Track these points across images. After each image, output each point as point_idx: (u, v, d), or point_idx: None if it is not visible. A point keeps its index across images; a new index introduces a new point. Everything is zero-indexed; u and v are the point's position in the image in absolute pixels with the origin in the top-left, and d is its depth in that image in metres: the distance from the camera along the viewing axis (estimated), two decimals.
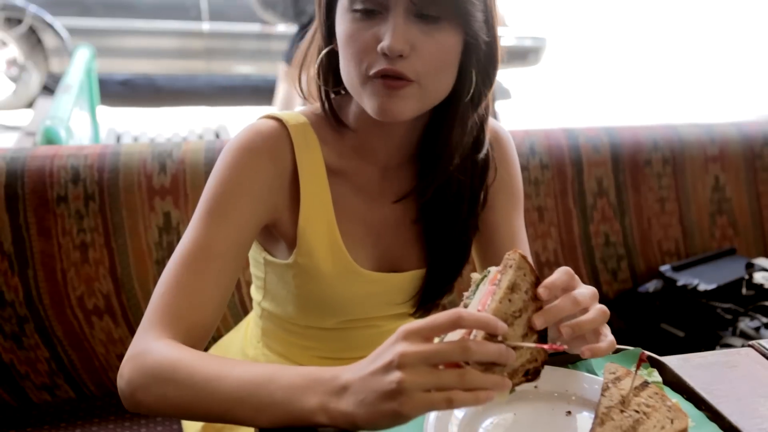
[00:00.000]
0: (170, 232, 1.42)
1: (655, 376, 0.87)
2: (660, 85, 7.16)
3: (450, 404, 0.68)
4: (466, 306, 0.79)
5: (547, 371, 0.85)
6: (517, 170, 1.12)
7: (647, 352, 0.89)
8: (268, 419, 0.76)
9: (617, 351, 0.92)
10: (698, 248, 1.83)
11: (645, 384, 0.79)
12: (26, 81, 5.39)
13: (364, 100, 0.92)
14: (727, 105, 6.59)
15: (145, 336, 0.87)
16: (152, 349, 0.84)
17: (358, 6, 0.89)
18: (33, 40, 5.33)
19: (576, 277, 0.81)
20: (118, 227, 1.39)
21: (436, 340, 0.71)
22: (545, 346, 0.75)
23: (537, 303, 0.77)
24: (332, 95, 1.01)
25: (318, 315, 1.07)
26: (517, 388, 0.77)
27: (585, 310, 0.79)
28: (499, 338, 0.71)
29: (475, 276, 0.82)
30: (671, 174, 1.79)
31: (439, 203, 1.04)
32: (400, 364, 0.68)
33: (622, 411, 0.75)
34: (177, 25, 5.54)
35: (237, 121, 5.30)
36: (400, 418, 0.68)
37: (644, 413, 0.75)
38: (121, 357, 0.86)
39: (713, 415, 0.81)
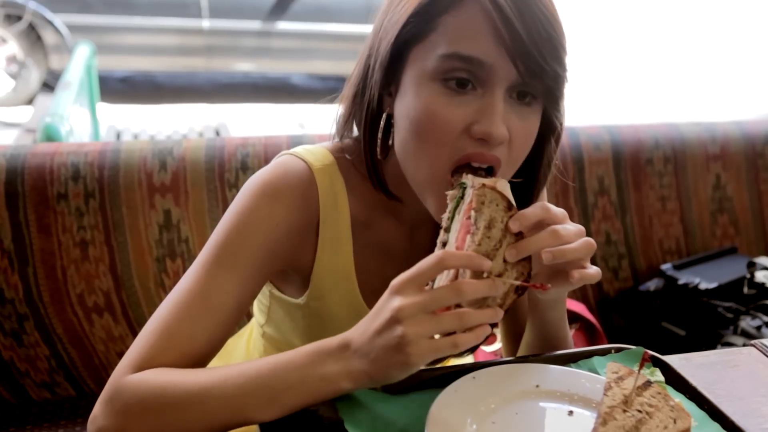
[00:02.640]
0: (170, 230, 1.41)
1: (658, 376, 0.86)
2: (661, 84, 7.15)
3: (455, 347, 0.70)
4: (447, 229, 0.79)
5: (549, 370, 0.85)
6: None
7: (650, 352, 0.89)
8: (282, 406, 0.75)
9: (619, 350, 0.92)
10: (699, 247, 1.82)
11: (648, 383, 0.79)
12: (26, 78, 5.39)
13: (427, 195, 0.83)
14: (728, 103, 6.59)
15: (121, 375, 0.80)
16: (131, 382, 0.78)
17: (452, 75, 0.77)
18: (33, 36, 5.32)
19: (554, 210, 0.78)
20: (119, 225, 1.39)
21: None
22: (528, 285, 0.76)
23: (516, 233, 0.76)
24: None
25: None
26: (519, 389, 0.77)
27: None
28: (485, 274, 0.73)
29: (450, 193, 0.80)
30: (672, 172, 1.79)
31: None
32: (399, 317, 0.69)
33: (624, 410, 0.75)
34: (177, 22, 5.53)
35: (237, 119, 5.30)
36: (411, 367, 0.71)
37: (647, 413, 0.75)
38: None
39: (715, 414, 0.81)
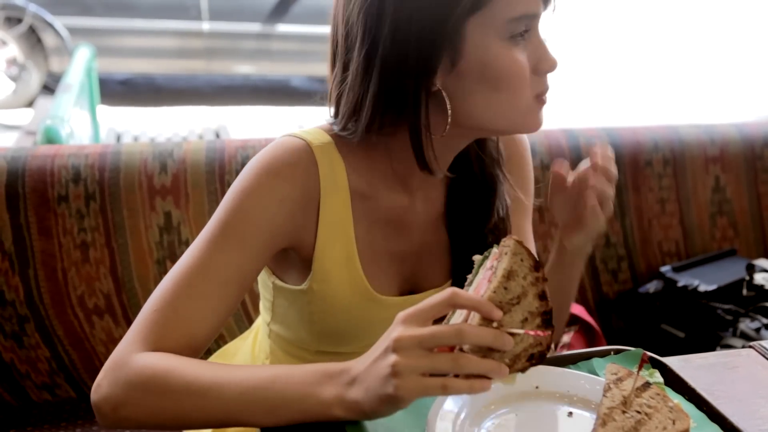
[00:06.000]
0: (171, 232, 1.41)
1: (657, 377, 0.87)
2: (660, 86, 7.15)
3: (445, 390, 0.69)
4: (469, 284, 0.79)
5: (549, 372, 0.85)
6: (531, 173, 1.09)
7: (649, 353, 0.89)
8: (278, 419, 0.76)
9: (619, 352, 0.92)
10: (699, 249, 1.83)
11: (647, 385, 0.79)
12: (26, 80, 5.40)
13: (525, 123, 0.90)
14: (727, 105, 6.59)
15: (128, 349, 0.82)
16: (138, 360, 0.80)
17: (521, 27, 0.84)
18: (33, 39, 5.33)
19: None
20: (119, 227, 1.39)
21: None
22: (537, 333, 0.73)
23: (538, 286, 0.74)
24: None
25: (333, 341, 1.02)
26: (518, 389, 0.77)
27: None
28: (495, 325, 0.71)
29: (477, 257, 0.81)
30: (672, 175, 1.79)
31: (469, 215, 1.00)
32: (395, 347, 0.69)
33: (623, 412, 0.75)
34: (177, 25, 5.54)
35: (237, 121, 5.30)
36: (396, 402, 0.70)
37: (646, 414, 0.75)
38: None
39: (714, 416, 0.81)
